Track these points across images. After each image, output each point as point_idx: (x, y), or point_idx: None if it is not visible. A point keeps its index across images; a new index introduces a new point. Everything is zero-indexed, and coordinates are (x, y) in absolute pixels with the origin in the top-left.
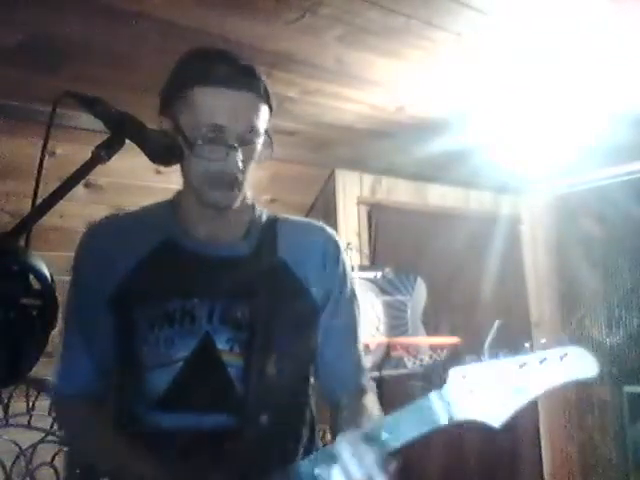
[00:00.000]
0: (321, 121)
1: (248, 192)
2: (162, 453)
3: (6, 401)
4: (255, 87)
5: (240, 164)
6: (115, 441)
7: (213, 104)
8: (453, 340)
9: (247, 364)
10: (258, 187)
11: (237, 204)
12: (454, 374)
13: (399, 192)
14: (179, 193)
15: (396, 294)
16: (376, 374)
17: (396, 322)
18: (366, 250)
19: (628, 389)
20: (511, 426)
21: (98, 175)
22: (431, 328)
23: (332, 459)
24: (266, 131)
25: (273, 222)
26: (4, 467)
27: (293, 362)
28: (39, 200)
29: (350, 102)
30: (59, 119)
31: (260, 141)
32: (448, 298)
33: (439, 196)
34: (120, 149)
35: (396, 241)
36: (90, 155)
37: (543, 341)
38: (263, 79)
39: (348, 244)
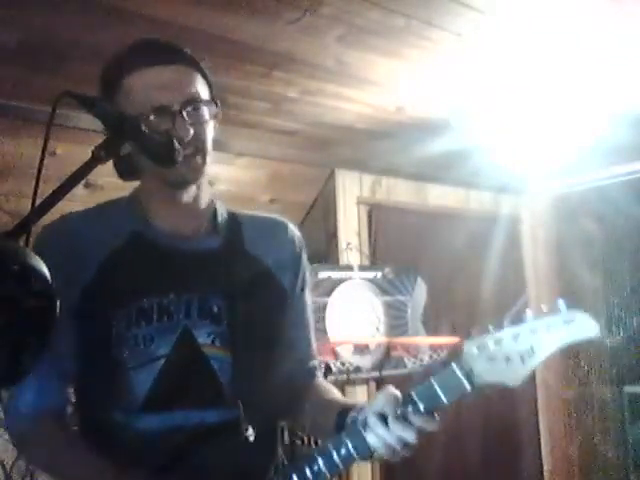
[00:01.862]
0: (321, 121)
1: (205, 185)
2: (150, 456)
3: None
4: (180, 58)
5: (190, 128)
6: (96, 458)
7: (148, 83)
8: (453, 340)
9: (233, 357)
10: (257, 187)
11: (201, 177)
12: (469, 346)
13: (399, 192)
14: (137, 190)
15: (396, 294)
16: (376, 374)
17: (396, 322)
18: (366, 250)
19: (628, 389)
20: (512, 426)
21: (98, 175)
22: (431, 328)
23: (371, 427)
24: (209, 100)
25: (234, 217)
26: (4, 467)
27: (273, 352)
28: (39, 200)
29: (350, 102)
30: (59, 119)
31: (207, 111)
32: (448, 298)
33: (439, 196)
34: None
35: (396, 241)
36: (90, 155)
37: (544, 307)
38: (187, 51)
39: (348, 244)
